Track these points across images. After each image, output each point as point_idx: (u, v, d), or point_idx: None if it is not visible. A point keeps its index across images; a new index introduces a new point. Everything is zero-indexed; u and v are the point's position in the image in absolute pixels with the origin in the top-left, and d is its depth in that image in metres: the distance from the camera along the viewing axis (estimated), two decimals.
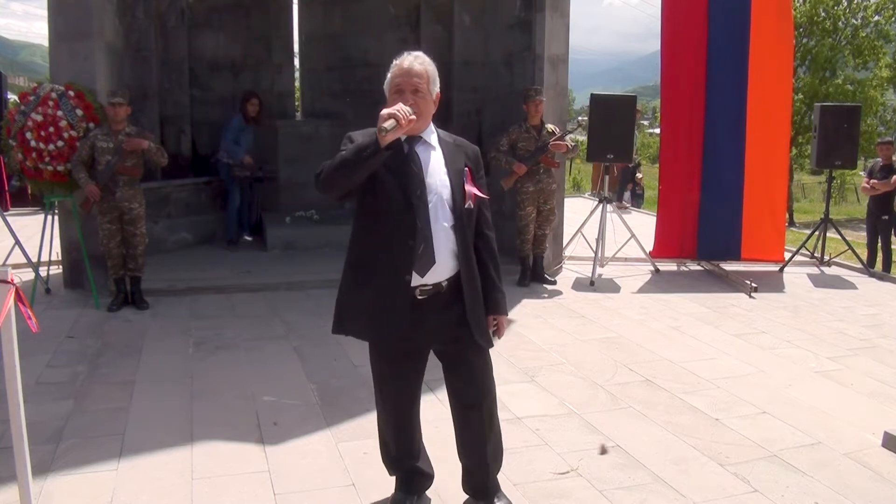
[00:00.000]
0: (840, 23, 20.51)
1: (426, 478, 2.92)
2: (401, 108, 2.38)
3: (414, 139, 2.57)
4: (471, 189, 2.59)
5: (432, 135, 2.63)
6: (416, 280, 2.52)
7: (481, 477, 2.82)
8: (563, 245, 7.76)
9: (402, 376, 2.74)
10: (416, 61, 2.55)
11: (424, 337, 2.64)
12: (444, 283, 2.57)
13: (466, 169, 2.62)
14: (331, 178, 2.42)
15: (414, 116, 2.42)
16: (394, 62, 2.58)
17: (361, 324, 2.62)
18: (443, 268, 2.55)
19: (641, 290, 6.85)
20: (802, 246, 8.06)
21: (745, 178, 7.25)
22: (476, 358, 2.71)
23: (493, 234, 2.74)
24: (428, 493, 2.98)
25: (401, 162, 2.51)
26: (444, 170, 2.57)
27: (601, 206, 7.54)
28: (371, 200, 2.52)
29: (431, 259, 2.51)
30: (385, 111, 2.36)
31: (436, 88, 2.60)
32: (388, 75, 2.58)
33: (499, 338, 2.78)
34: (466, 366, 2.71)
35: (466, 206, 2.57)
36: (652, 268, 7.56)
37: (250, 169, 7.90)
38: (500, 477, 2.91)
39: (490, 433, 2.79)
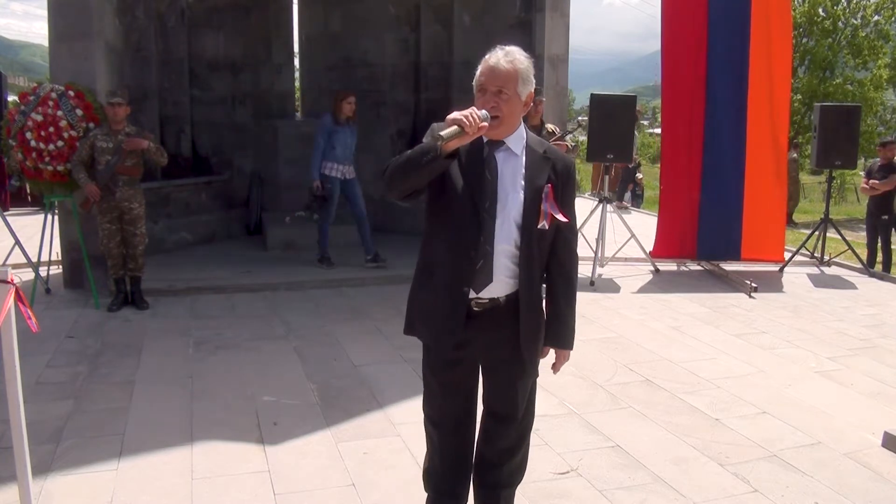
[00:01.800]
0: (840, 23, 20.50)
1: None
2: (471, 114, 2.16)
3: (496, 144, 2.34)
4: (548, 209, 2.33)
5: (520, 141, 2.37)
6: (471, 293, 2.37)
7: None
8: None
9: (446, 389, 2.54)
10: (505, 59, 2.29)
11: (476, 351, 2.48)
12: (502, 300, 2.39)
13: (549, 186, 2.35)
14: (393, 176, 2.27)
15: (486, 123, 2.20)
16: (485, 56, 2.34)
17: (423, 326, 2.49)
18: (500, 287, 2.37)
19: (641, 290, 6.85)
20: (802, 246, 8.06)
21: (746, 178, 7.25)
22: (517, 380, 2.52)
23: (573, 260, 2.51)
24: None
25: (476, 167, 2.30)
26: (520, 183, 2.33)
27: (601, 206, 7.55)
28: (441, 203, 2.35)
29: (489, 277, 2.34)
30: (452, 115, 2.16)
31: (528, 89, 2.32)
32: (476, 71, 2.35)
33: (554, 373, 2.58)
34: (511, 389, 2.52)
35: (539, 226, 2.33)
36: (652, 268, 7.56)
37: (313, 192, 7.02)
38: None
39: (513, 451, 2.61)
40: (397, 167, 2.26)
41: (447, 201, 2.34)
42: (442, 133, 2.14)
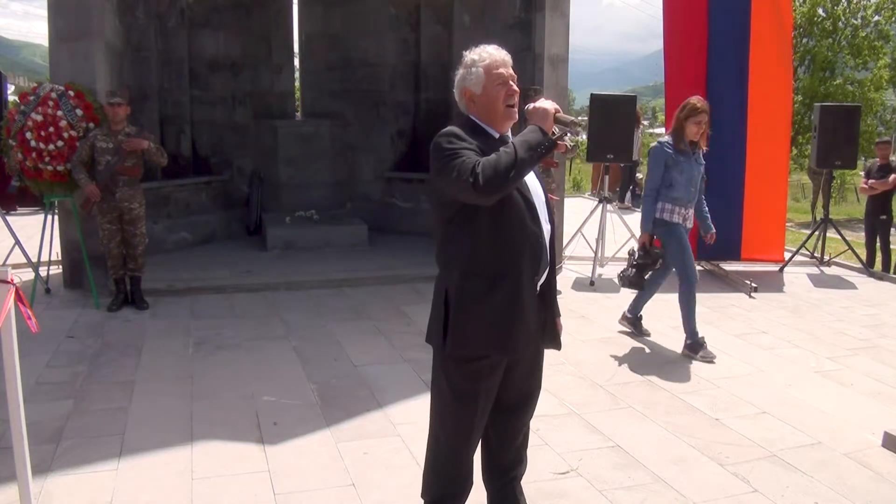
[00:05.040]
0: (840, 23, 20.50)
1: None
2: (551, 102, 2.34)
3: (506, 135, 2.47)
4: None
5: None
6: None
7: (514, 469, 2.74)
8: (563, 245, 7.76)
9: (489, 395, 2.50)
10: (503, 51, 2.46)
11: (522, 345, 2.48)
12: (538, 289, 2.47)
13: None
14: (504, 179, 2.19)
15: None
16: (475, 55, 2.43)
17: (495, 337, 2.37)
18: (546, 270, 2.48)
19: None
20: (802, 246, 8.06)
21: (746, 178, 7.25)
22: (542, 366, 2.65)
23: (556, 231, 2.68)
24: None
25: None
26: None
27: (601, 206, 7.55)
28: (498, 203, 2.30)
29: (547, 261, 2.45)
30: (549, 105, 2.33)
31: None
32: (477, 70, 2.41)
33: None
34: (537, 372, 2.62)
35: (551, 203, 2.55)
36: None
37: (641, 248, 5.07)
38: None
39: (524, 442, 2.73)
40: (510, 169, 2.19)
41: (503, 199, 2.31)
42: (568, 119, 2.33)
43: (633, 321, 5.36)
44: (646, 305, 5.38)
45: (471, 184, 2.18)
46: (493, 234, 2.35)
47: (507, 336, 2.37)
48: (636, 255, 5.06)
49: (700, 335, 4.95)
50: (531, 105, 2.36)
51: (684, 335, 4.98)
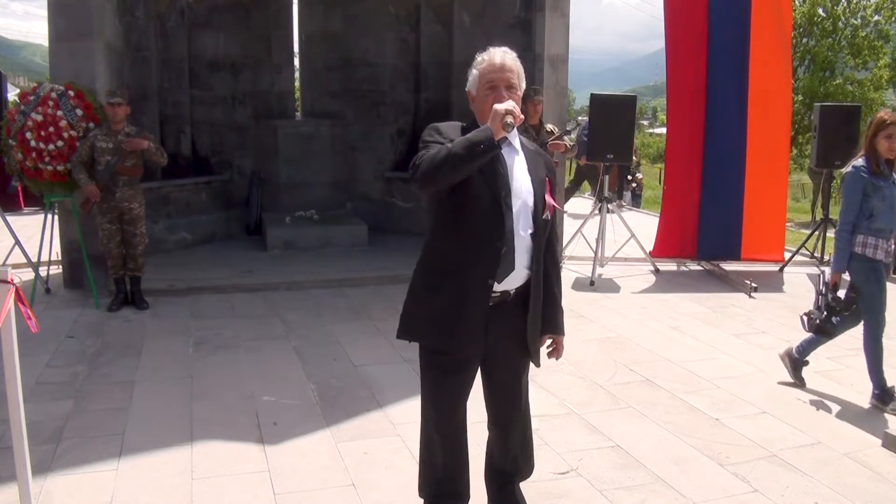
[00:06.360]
0: (840, 23, 20.50)
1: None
2: (515, 105, 2.27)
3: (501, 139, 2.37)
4: (550, 200, 2.48)
5: (516, 138, 2.50)
6: (494, 285, 2.41)
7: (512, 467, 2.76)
8: (563, 245, 7.76)
9: (456, 389, 2.56)
10: (507, 56, 2.41)
11: (485, 347, 2.49)
12: (512, 293, 2.45)
13: (547, 179, 2.51)
14: (436, 172, 2.22)
15: (522, 117, 2.29)
16: (479, 58, 2.44)
17: (434, 328, 2.45)
18: (517, 276, 2.42)
19: (641, 290, 6.85)
20: (802, 246, 8.07)
21: (746, 178, 7.25)
22: (521, 375, 2.62)
23: (559, 246, 2.67)
24: None
25: (489, 161, 2.33)
26: (527, 176, 2.44)
27: (601, 205, 7.55)
28: (457, 199, 2.35)
29: (511, 265, 2.39)
30: (501, 106, 2.22)
31: (523, 85, 2.46)
32: (474, 72, 2.44)
33: (556, 359, 2.69)
34: (510, 384, 2.60)
35: (544, 216, 2.46)
36: (652, 268, 7.56)
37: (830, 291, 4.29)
38: None
39: (522, 448, 2.73)
40: (442, 162, 2.21)
41: (465, 197, 2.34)
42: (508, 120, 2.22)
43: (796, 361, 4.54)
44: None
45: (410, 175, 2.27)
46: (448, 229, 2.42)
47: (447, 329, 2.42)
48: (827, 298, 4.28)
49: (890, 385, 4.22)
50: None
51: (871, 385, 4.26)
